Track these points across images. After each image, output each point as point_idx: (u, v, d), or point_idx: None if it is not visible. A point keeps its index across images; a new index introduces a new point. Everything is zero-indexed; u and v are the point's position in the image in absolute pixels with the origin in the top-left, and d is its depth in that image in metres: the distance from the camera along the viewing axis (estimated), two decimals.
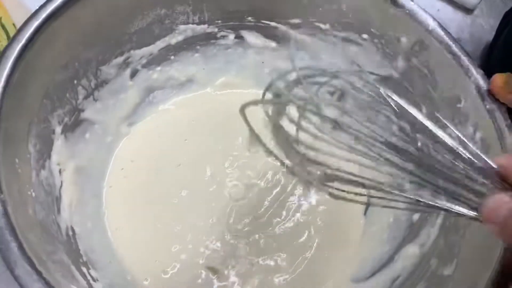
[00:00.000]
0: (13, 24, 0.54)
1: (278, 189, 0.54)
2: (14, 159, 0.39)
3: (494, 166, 0.35)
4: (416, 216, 0.51)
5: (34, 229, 0.37)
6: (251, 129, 0.38)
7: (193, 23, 0.55)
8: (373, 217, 0.54)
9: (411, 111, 0.45)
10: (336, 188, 0.38)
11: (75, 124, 0.49)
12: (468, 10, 0.70)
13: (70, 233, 0.44)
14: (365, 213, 0.55)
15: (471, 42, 0.67)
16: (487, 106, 0.44)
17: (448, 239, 0.46)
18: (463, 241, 0.44)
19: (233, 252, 0.49)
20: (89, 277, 0.41)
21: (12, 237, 0.33)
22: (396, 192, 0.40)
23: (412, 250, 0.48)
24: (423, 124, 0.51)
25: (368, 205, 0.56)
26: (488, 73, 0.46)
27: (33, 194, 0.40)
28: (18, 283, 0.31)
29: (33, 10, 0.41)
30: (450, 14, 0.70)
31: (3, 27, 0.52)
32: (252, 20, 0.56)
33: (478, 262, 0.41)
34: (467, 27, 0.66)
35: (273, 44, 0.58)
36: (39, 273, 0.32)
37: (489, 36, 0.67)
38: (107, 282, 0.43)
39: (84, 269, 0.42)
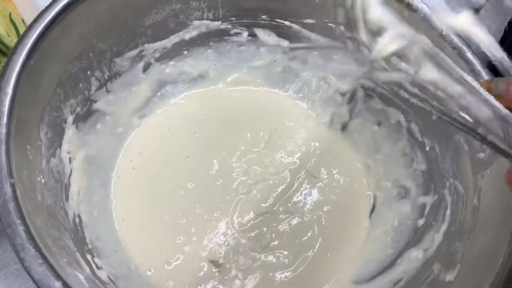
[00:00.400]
0: (22, 20, 0.55)
1: (284, 186, 0.55)
2: (26, 145, 0.39)
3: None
4: (421, 221, 0.51)
5: (41, 214, 0.38)
6: None
7: (207, 19, 0.55)
8: (378, 220, 0.55)
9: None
10: None
11: (87, 114, 0.50)
12: (474, 10, 0.69)
13: (77, 220, 0.45)
14: (370, 216, 0.55)
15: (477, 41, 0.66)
16: (496, 113, 0.44)
17: (452, 245, 0.46)
18: (466, 248, 0.44)
19: (235, 247, 0.50)
20: (93, 265, 0.42)
21: (20, 221, 0.33)
22: None
23: (415, 254, 0.48)
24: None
25: (373, 207, 0.56)
26: (494, 75, 0.46)
27: (43, 181, 0.41)
28: (23, 266, 0.32)
29: (42, 7, 0.42)
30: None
31: (13, 22, 0.52)
32: (266, 18, 0.56)
33: (481, 269, 0.41)
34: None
35: (286, 43, 0.58)
36: (44, 257, 0.33)
37: (495, 37, 0.66)
38: (111, 271, 0.44)
39: (89, 257, 0.42)
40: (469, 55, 0.47)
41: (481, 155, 0.46)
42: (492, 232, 0.42)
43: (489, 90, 0.44)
